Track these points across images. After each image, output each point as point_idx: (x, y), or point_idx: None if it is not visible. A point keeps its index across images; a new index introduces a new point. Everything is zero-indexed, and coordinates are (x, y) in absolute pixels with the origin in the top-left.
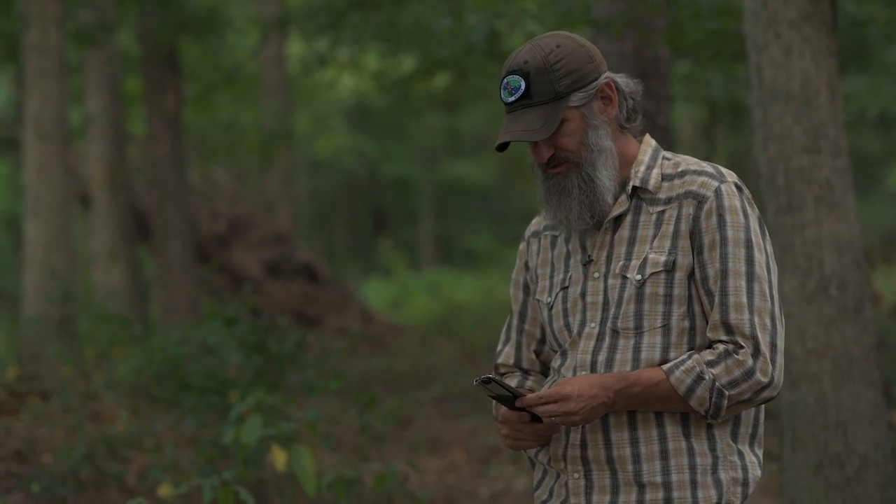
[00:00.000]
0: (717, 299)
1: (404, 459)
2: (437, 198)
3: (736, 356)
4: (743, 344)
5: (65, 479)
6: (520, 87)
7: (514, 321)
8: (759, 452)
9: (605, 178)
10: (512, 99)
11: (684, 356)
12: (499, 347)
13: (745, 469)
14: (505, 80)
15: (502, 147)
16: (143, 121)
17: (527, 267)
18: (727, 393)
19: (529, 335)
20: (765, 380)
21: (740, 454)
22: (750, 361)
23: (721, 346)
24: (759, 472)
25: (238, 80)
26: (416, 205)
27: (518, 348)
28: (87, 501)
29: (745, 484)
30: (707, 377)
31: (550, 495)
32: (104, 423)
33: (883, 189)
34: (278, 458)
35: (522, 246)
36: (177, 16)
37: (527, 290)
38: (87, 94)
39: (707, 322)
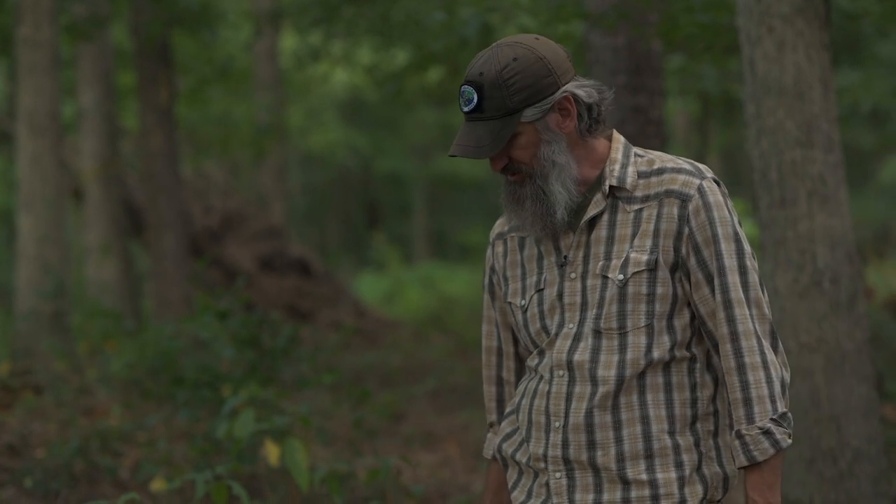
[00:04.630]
0: (718, 297)
1: (397, 454)
2: (430, 192)
3: (751, 382)
4: (747, 349)
5: (58, 473)
6: (472, 99)
7: (495, 331)
8: None
9: (558, 192)
10: (466, 109)
11: (735, 440)
12: (492, 359)
13: (724, 464)
14: (461, 89)
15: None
16: (136, 115)
17: (493, 270)
18: (781, 410)
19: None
20: (780, 372)
21: (720, 448)
22: (762, 374)
23: (737, 386)
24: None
25: (231, 74)
26: (409, 199)
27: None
28: (80, 496)
29: (726, 478)
30: (766, 424)
31: (529, 496)
32: (97, 418)
33: (876, 183)
34: (271, 452)
35: (488, 251)
36: (170, 9)
37: (494, 295)
38: (80, 88)
39: (691, 316)
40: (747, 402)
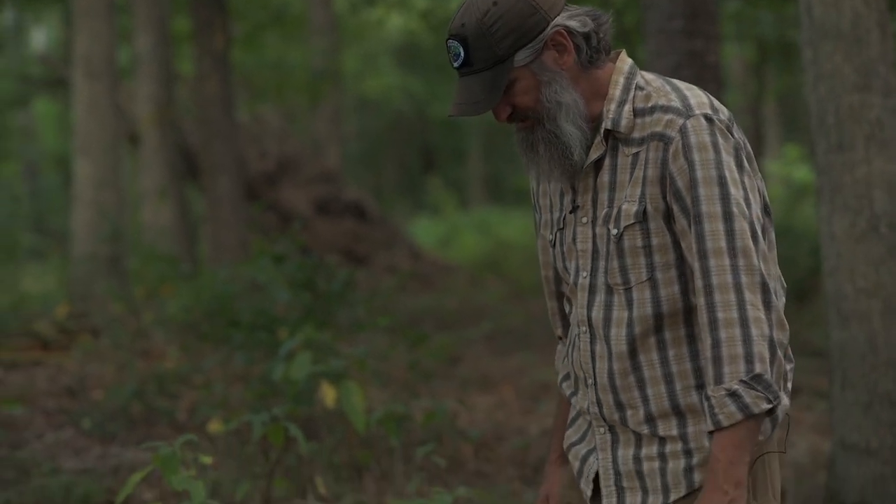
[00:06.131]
0: (695, 247)
1: (453, 397)
2: (485, 136)
3: (722, 340)
4: (721, 303)
5: (115, 415)
6: (459, 53)
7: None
8: (788, 386)
9: (570, 132)
10: (455, 65)
11: (704, 401)
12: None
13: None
14: (447, 44)
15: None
16: (192, 60)
17: (534, 194)
18: (757, 372)
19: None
20: (768, 331)
21: None
22: (737, 332)
23: (708, 344)
24: (786, 402)
25: (286, 19)
26: (464, 143)
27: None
28: (137, 437)
29: (773, 419)
30: (734, 386)
31: (582, 438)
32: (154, 361)
33: None
34: (328, 394)
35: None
36: None
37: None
38: (136, 33)
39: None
40: (717, 360)
